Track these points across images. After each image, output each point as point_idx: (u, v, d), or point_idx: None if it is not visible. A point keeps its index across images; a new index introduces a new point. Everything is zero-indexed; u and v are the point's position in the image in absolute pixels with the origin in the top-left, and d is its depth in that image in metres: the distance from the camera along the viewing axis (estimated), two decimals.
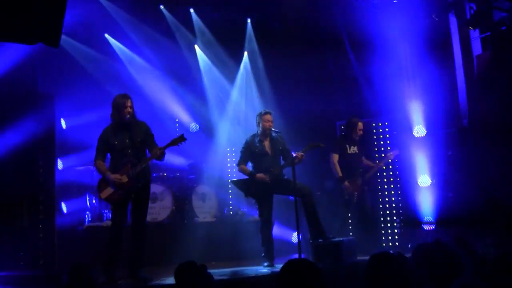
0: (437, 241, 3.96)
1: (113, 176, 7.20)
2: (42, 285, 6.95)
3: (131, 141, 7.35)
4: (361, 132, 9.84)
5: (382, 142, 10.95)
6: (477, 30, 10.72)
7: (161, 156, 7.32)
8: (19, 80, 8.50)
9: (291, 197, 9.67)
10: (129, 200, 7.39)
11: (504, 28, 10.40)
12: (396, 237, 10.57)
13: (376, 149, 10.95)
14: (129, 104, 7.36)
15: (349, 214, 10.19)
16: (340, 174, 9.56)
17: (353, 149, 9.77)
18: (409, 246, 9.77)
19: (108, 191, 7.26)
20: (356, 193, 9.57)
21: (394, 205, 10.71)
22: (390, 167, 10.78)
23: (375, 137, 11.06)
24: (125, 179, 7.22)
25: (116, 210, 7.34)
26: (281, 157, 8.70)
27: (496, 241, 6.17)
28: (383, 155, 10.44)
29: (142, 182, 7.37)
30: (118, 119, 7.36)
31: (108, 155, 7.48)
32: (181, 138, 7.44)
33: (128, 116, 7.32)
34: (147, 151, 7.46)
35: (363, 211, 9.85)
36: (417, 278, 3.88)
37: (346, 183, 9.51)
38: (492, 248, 6.04)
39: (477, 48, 10.87)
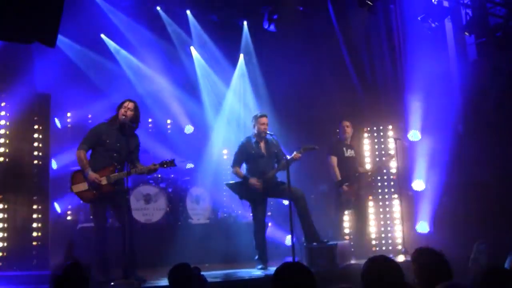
0: (426, 248, 4.01)
1: (93, 176, 7.15)
2: (36, 285, 6.93)
3: (120, 146, 7.36)
4: (348, 130, 9.82)
5: (376, 147, 10.95)
6: (472, 36, 10.76)
7: (152, 173, 7.63)
8: (16, 79, 8.48)
9: (283, 200, 9.69)
10: (105, 203, 7.34)
11: (500, 34, 10.45)
12: (390, 241, 10.58)
13: (368, 154, 10.96)
14: (127, 105, 7.39)
15: (344, 218, 10.19)
16: (339, 177, 9.54)
17: (350, 153, 9.78)
18: (403, 250, 9.79)
19: (82, 186, 7.20)
20: (353, 197, 9.57)
21: (388, 209, 10.71)
22: (385, 171, 10.79)
23: (366, 142, 11.07)
24: (104, 181, 7.19)
25: (96, 211, 7.30)
26: (276, 160, 8.71)
27: (489, 248, 6.17)
28: (377, 159, 10.42)
29: (118, 189, 7.32)
30: (115, 119, 7.40)
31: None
32: (171, 163, 7.52)
33: (123, 117, 7.31)
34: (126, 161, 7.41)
35: (359, 214, 9.86)
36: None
37: (345, 186, 9.50)
38: (485, 255, 6.04)
39: (472, 53, 10.90)
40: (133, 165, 7.40)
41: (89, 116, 11.29)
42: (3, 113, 8.38)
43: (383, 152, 10.77)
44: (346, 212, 10.05)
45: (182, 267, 4.93)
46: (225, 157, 12.08)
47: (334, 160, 9.65)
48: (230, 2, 11.84)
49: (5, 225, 8.15)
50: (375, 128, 11.04)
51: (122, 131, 7.38)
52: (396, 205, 10.55)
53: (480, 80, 10.60)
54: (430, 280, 3.71)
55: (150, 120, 12.27)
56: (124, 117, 7.34)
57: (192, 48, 12.35)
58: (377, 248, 10.47)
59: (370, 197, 10.67)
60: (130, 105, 7.41)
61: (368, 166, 10.60)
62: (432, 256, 3.87)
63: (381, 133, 10.98)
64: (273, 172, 8.53)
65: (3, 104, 8.41)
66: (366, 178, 9.97)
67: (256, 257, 8.45)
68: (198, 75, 12.41)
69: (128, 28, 11.32)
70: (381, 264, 3.59)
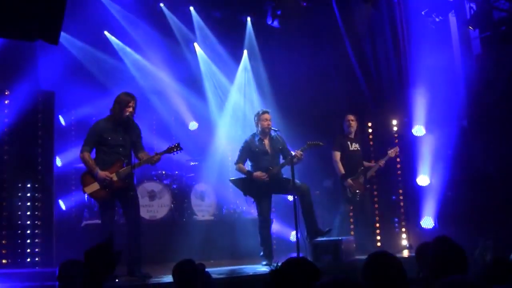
0: (441, 238, 3.92)
1: (103, 174, 7.13)
2: (40, 282, 6.93)
3: (124, 140, 7.34)
4: (353, 124, 9.80)
5: (381, 142, 10.93)
6: (477, 30, 10.72)
7: (156, 162, 7.41)
8: (19, 77, 8.49)
9: (287, 195, 9.69)
10: (115, 199, 7.35)
11: (504, 28, 10.41)
12: (394, 237, 10.56)
13: (372, 148, 10.94)
14: (132, 104, 7.33)
15: (350, 213, 10.17)
16: (343, 172, 9.53)
17: (355, 146, 9.75)
18: (407, 245, 9.81)
19: (94, 186, 7.17)
20: (358, 191, 9.56)
21: (393, 204, 10.69)
22: (389, 166, 10.75)
23: (371, 137, 11.05)
24: (115, 178, 7.18)
25: (105, 209, 7.27)
26: (281, 156, 8.69)
27: (495, 243, 6.15)
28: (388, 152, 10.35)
29: (128, 182, 7.33)
30: (117, 115, 7.34)
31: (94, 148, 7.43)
32: (177, 147, 7.51)
33: (128, 115, 7.30)
34: (132, 152, 7.44)
35: (364, 209, 9.85)
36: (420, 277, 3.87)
37: (349, 180, 9.48)
38: (491, 250, 6.02)
39: (477, 48, 10.87)
40: (137, 155, 7.41)
41: (93, 113, 11.29)
42: (7, 111, 8.38)
43: (387, 147, 10.75)
44: (351, 207, 10.03)
45: (187, 263, 4.92)
46: (229, 153, 12.06)
47: (337, 155, 9.63)
48: None
49: (10, 222, 8.17)
50: (379, 123, 11.02)
51: (124, 125, 7.36)
52: (401, 200, 10.54)
53: (484, 75, 10.57)
54: (444, 271, 3.63)
55: (154, 121, 12.26)
56: (126, 114, 7.31)
57: (195, 44, 12.34)
58: (382, 244, 10.45)
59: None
60: (135, 103, 7.38)
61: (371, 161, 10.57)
62: (452, 248, 3.78)
63: (386, 128, 10.95)
64: (277, 168, 8.52)
65: (7, 102, 8.42)
66: (372, 171, 9.93)
67: (261, 253, 8.45)
68: (202, 71, 12.41)
69: (132, 25, 11.31)
70: (382, 260, 3.58)
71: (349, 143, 9.73)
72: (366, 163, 10.00)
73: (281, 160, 8.67)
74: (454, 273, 3.46)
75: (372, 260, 3.59)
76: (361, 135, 10.67)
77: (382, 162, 9.88)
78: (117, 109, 7.33)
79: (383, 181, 10.83)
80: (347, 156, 9.66)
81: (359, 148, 9.85)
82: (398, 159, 10.70)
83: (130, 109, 7.30)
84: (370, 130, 11.11)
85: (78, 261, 4.84)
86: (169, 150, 7.50)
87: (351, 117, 9.81)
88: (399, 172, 10.69)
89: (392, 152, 9.87)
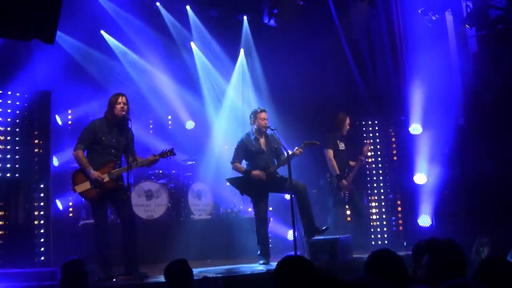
0: (448, 241, 3.88)
1: (95, 174, 7.15)
2: (38, 282, 6.92)
3: (117, 142, 7.37)
4: (348, 127, 9.84)
5: (378, 140, 10.94)
6: (473, 28, 10.73)
7: (152, 164, 7.53)
8: (16, 76, 8.46)
9: (284, 194, 9.68)
10: (106, 201, 7.37)
11: (501, 26, 10.42)
12: (391, 235, 10.57)
13: (372, 147, 10.95)
14: (122, 100, 7.36)
15: (347, 212, 10.19)
16: (338, 172, 9.53)
17: (342, 146, 9.78)
18: (404, 244, 9.83)
19: (85, 186, 7.19)
20: (347, 192, 9.59)
21: (390, 203, 10.70)
22: (386, 164, 10.77)
23: (371, 135, 11.06)
24: (106, 178, 7.20)
25: (97, 209, 7.30)
26: (276, 156, 8.67)
27: (491, 241, 6.14)
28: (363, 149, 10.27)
29: (120, 184, 7.36)
30: (111, 116, 7.36)
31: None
32: (170, 152, 7.58)
33: (123, 113, 7.31)
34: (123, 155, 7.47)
35: (358, 208, 9.86)
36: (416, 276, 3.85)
37: (344, 182, 9.50)
38: (488, 248, 6.01)
39: (473, 46, 10.87)
40: (133, 157, 7.42)
41: (90, 113, 11.26)
42: (3, 110, 8.36)
43: (384, 145, 10.75)
44: (346, 206, 10.03)
45: (177, 263, 4.92)
46: (226, 152, 12.04)
47: (330, 153, 9.63)
48: None
49: (7, 222, 8.15)
50: (376, 122, 11.02)
51: (119, 126, 7.38)
52: (398, 199, 10.55)
53: (481, 73, 10.59)
54: (442, 275, 3.59)
55: (151, 121, 12.24)
56: (122, 113, 7.32)
57: (192, 43, 12.32)
58: (379, 242, 10.46)
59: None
60: (124, 99, 7.41)
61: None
62: (453, 253, 3.71)
63: (382, 127, 10.95)
64: (274, 167, 8.50)
65: (3, 101, 8.39)
66: (354, 171, 9.90)
67: (258, 252, 8.44)
68: (198, 70, 12.39)
69: (128, 24, 11.28)
70: (384, 258, 3.58)
71: (338, 141, 9.75)
72: (351, 162, 9.98)
73: (275, 159, 8.66)
74: (453, 275, 3.42)
75: (374, 257, 3.59)
76: (359, 134, 10.70)
77: (362, 158, 9.85)
78: (109, 110, 7.40)
79: (380, 179, 10.83)
80: (338, 155, 9.67)
81: (345, 148, 9.86)
82: (395, 158, 10.72)
83: (121, 105, 7.33)
84: (367, 129, 11.10)
85: (80, 260, 4.87)
86: (163, 155, 7.56)
87: (348, 119, 9.85)
88: (396, 170, 10.69)
89: (366, 150, 9.91)
